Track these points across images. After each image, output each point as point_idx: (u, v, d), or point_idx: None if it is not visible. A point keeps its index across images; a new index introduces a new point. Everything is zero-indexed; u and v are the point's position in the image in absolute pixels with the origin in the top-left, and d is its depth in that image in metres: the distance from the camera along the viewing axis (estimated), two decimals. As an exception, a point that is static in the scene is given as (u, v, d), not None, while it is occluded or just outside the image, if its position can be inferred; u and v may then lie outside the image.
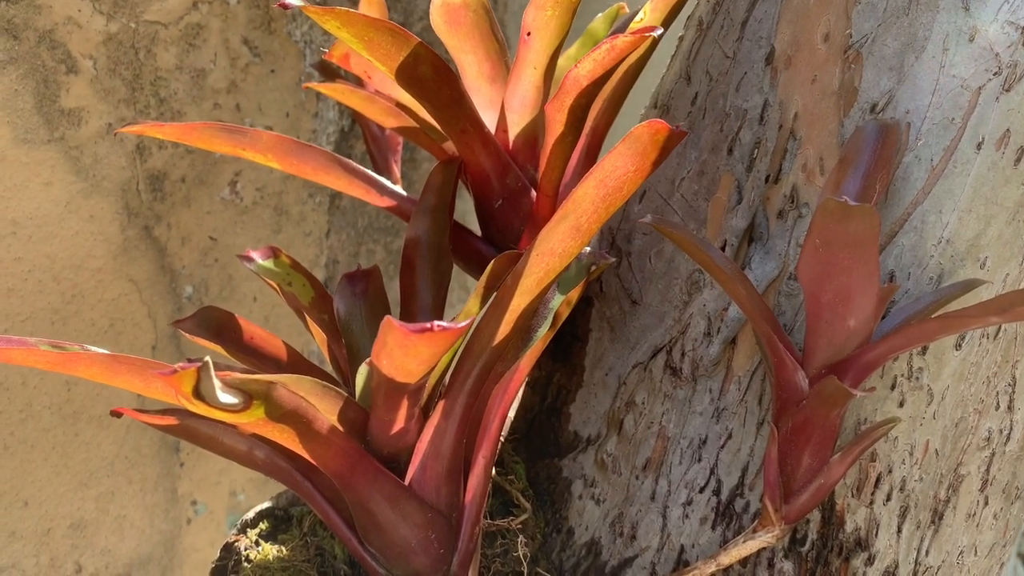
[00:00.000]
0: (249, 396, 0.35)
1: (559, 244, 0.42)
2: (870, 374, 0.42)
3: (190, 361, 0.34)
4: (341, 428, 0.43)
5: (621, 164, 0.40)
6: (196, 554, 0.85)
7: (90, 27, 0.66)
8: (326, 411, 0.43)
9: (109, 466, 0.77)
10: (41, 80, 0.64)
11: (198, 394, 0.33)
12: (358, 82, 0.68)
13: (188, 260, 0.78)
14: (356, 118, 0.72)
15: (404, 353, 0.36)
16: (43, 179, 0.66)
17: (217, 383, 0.34)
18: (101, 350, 0.45)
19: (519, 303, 0.43)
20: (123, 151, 0.70)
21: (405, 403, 0.42)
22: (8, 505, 0.70)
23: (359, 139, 0.91)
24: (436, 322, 0.32)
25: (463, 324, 0.33)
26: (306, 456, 0.41)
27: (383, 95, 0.64)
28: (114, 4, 0.67)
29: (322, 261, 0.90)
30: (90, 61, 0.66)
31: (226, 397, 0.34)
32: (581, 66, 0.42)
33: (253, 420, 0.36)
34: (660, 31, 0.39)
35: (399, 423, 0.44)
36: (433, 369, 0.40)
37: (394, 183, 0.67)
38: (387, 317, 0.33)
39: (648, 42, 0.52)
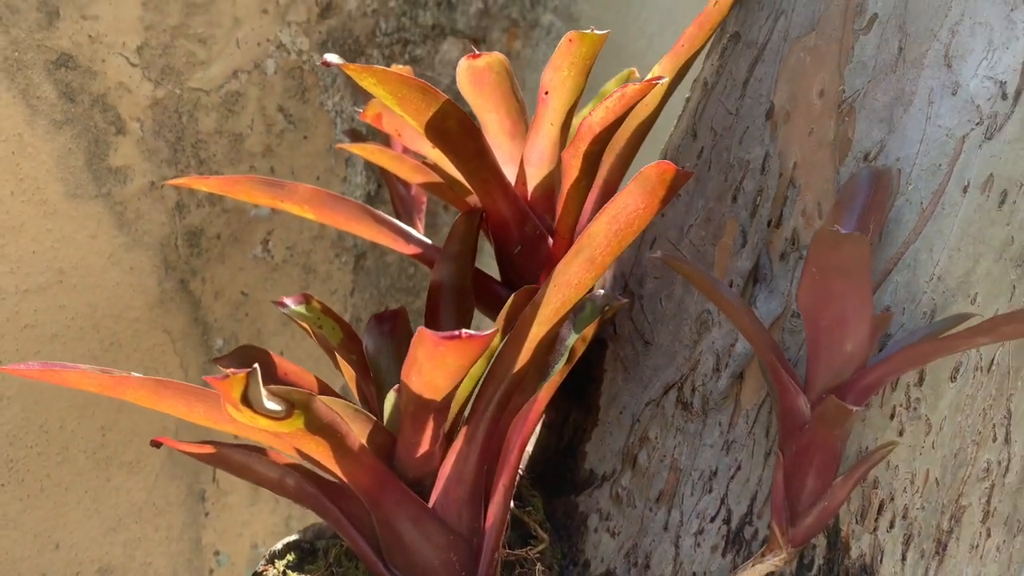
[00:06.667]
0: (291, 405, 0.38)
1: (575, 276, 0.46)
2: (868, 397, 0.45)
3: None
4: (370, 449, 0.46)
5: (631, 201, 0.44)
6: (217, 605, 0.87)
7: (139, 92, 0.71)
8: (357, 432, 0.46)
9: (138, 512, 0.79)
10: (92, 140, 0.69)
11: (246, 400, 0.36)
12: (386, 143, 0.73)
13: (220, 314, 0.81)
14: (384, 178, 0.76)
15: (433, 366, 0.39)
16: (89, 232, 0.70)
17: (263, 391, 0.37)
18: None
19: (538, 332, 0.47)
20: (164, 208, 0.75)
21: (431, 423, 0.45)
22: (41, 547, 0.73)
23: (383, 203, 0.95)
24: (463, 330, 0.35)
25: (488, 332, 0.36)
26: (337, 471, 0.44)
27: (410, 153, 0.68)
28: (161, 72, 0.72)
29: (346, 318, 0.93)
30: (137, 123, 0.71)
31: (271, 404, 0.37)
32: (595, 114, 0.46)
33: (292, 430, 0.39)
34: (665, 79, 0.43)
35: (424, 445, 0.47)
36: (457, 388, 0.43)
37: (418, 237, 0.71)
38: (420, 328, 0.36)
39: (658, 98, 0.56)
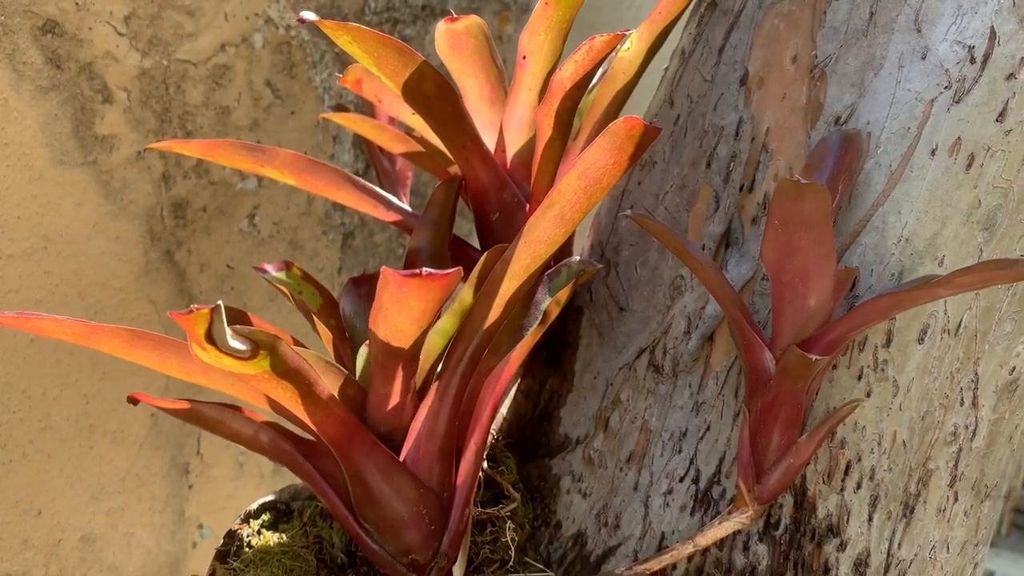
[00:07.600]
0: (256, 345, 0.38)
1: (545, 232, 0.46)
2: (833, 353, 0.45)
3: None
4: (341, 402, 0.46)
5: (600, 157, 0.44)
6: (200, 578, 0.87)
7: (126, 62, 0.71)
8: (328, 385, 0.46)
9: (120, 482, 0.79)
10: (79, 107, 0.70)
11: (210, 337, 0.37)
12: (371, 115, 0.74)
13: (206, 286, 0.82)
14: (369, 152, 0.77)
15: (398, 310, 0.39)
16: (75, 199, 0.71)
17: (228, 330, 0.37)
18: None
19: (508, 288, 0.47)
20: (150, 178, 0.75)
21: (400, 374, 0.45)
22: (23, 512, 0.73)
23: (371, 182, 0.96)
24: (425, 268, 0.36)
25: (450, 271, 0.36)
26: (306, 420, 0.44)
27: (394, 124, 0.69)
28: (149, 42, 0.73)
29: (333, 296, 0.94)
30: (124, 93, 0.72)
31: (235, 343, 0.37)
32: (564, 69, 0.46)
33: (258, 372, 0.40)
34: (631, 31, 0.43)
35: (395, 398, 0.47)
36: (424, 337, 0.44)
37: (401, 212, 0.71)
38: (383, 268, 0.37)
39: (635, 66, 0.56)
